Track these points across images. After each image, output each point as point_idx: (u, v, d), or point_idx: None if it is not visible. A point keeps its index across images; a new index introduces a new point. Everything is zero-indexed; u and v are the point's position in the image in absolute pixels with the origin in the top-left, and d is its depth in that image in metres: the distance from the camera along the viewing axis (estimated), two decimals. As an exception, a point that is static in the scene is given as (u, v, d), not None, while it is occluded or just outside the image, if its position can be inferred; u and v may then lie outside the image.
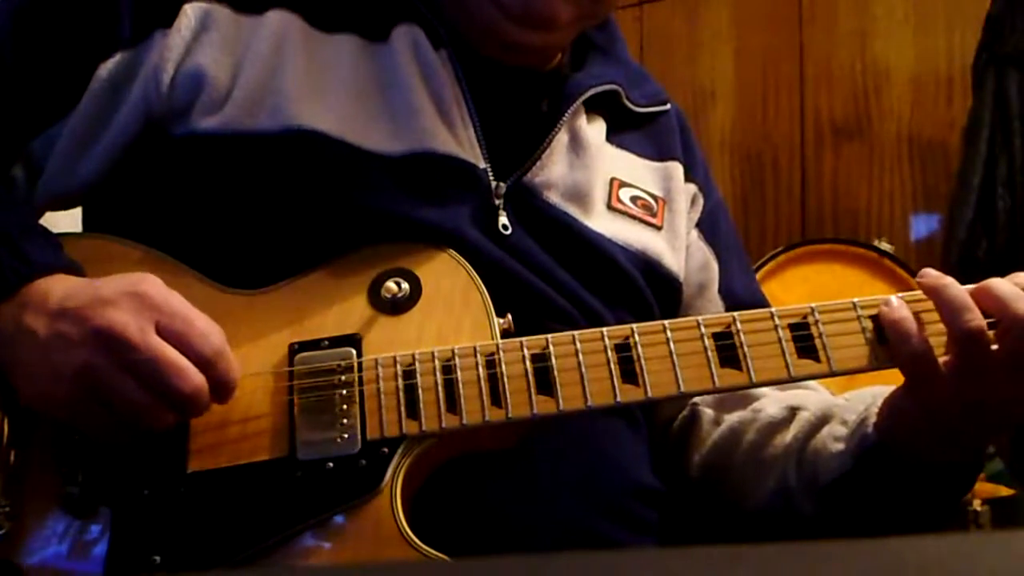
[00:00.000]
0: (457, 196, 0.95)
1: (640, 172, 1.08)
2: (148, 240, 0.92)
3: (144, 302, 0.79)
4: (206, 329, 0.80)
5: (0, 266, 0.83)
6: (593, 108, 1.06)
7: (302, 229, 0.91)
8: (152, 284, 0.81)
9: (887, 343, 0.84)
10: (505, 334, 0.86)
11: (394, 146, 0.94)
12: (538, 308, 0.93)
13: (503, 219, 0.96)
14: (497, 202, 0.96)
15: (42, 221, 0.94)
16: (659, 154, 1.11)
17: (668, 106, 1.15)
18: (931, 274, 0.85)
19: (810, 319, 0.86)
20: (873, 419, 0.89)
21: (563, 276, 0.96)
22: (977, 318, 0.80)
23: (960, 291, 0.82)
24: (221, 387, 0.81)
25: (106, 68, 0.94)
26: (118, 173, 0.96)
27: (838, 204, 2.81)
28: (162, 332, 0.79)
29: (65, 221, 1.00)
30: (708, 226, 1.13)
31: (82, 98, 0.94)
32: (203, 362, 0.80)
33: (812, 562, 0.40)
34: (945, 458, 0.88)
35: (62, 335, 0.79)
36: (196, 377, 0.79)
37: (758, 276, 1.99)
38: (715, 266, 1.12)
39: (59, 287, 0.82)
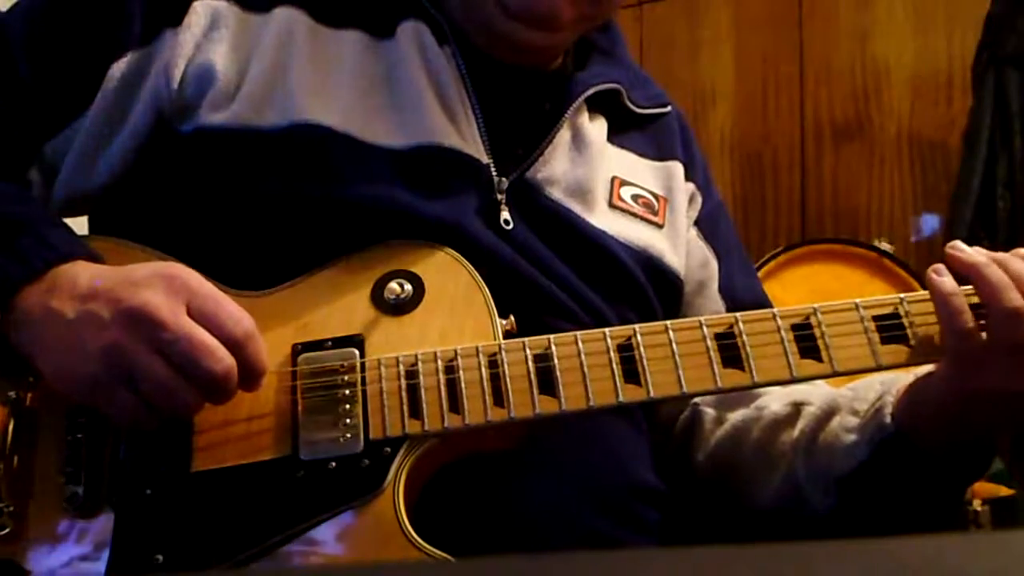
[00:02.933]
0: (460, 190, 0.95)
1: (641, 171, 1.08)
2: (154, 243, 0.92)
3: (175, 284, 0.79)
4: (237, 313, 0.80)
5: (26, 251, 0.83)
6: (595, 108, 1.06)
7: (306, 222, 0.91)
8: (182, 268, 0.81)
9: (889, 343, 0.84)
10: (507, 335, 0.86)
11: (398, 140, 0.94)
12: (539, 303, 0.93)
13: (505, 214, 0.96)
14: (499, 197, 0.96)
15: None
16: (659, 154, 1.11)
17: (669, 108, 1.15)
18: (965, 248, 0.85)
19: (812, 320, 0.86)
20: (889, 408, 0.89)
21: (564, 272, 0.97)
22: (1018, 298, 0.80)
23: (999, 270, 0.82)
24: (250, 370, 0.81)
25: (118, 68, 0.95)
26: (132, 173, 0.97)
27: (838, 204, 2.82)
28: (193, 314, 0.79)
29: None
30: (707, 225, 1.13)
31: (95, 99, 0.95)
32: (234, 344, 0.79)
33: (812, 562, 0.40)
34: (962, 446, 0.88)
35: (92, 315, 0.78)
36: (227, 359, 0.78)
37: (758, 276, 1.99)
38: (714, 264, 1.12)
39: (87, 272, 0.82)
